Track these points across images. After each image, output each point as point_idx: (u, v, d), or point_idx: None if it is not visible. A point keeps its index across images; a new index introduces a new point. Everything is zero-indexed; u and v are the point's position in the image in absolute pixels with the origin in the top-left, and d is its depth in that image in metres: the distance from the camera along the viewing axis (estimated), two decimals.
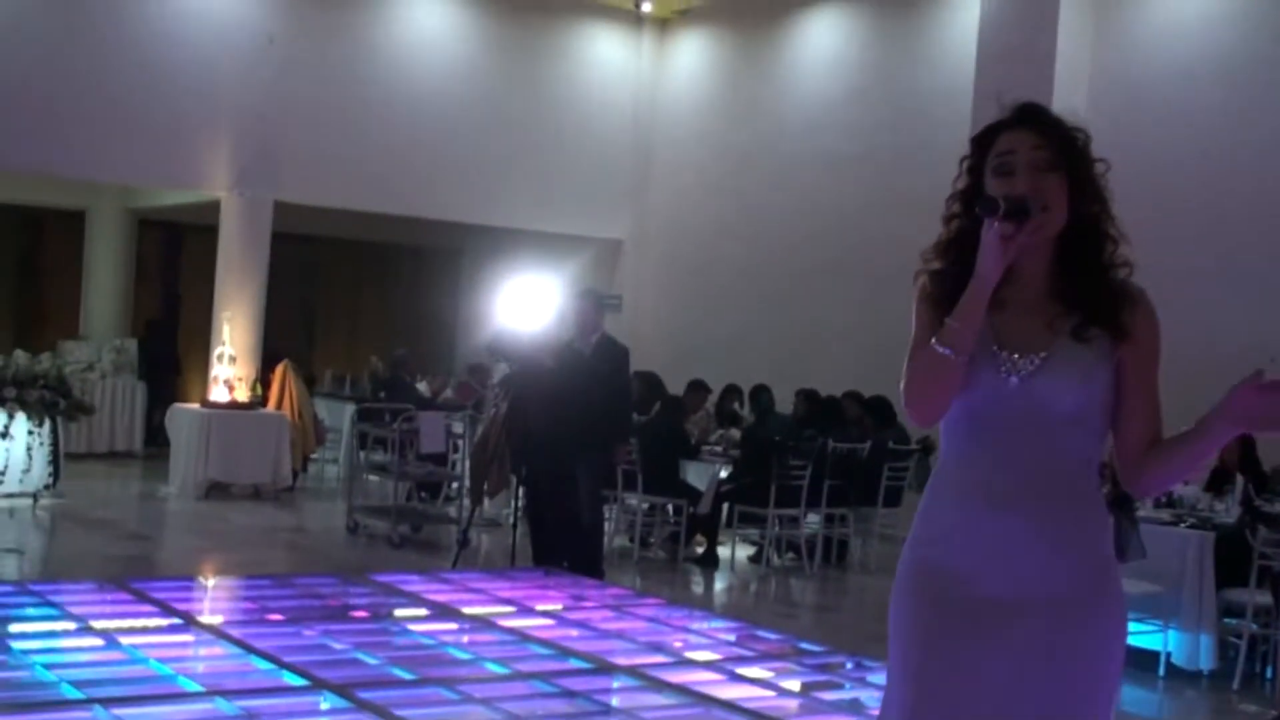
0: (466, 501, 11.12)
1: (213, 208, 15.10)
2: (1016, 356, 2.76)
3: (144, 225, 18.31)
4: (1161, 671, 8.19)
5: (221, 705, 5.24)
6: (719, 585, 10.87)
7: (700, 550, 11.44)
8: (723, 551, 11.38)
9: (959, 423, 2.82)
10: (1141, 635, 8.38)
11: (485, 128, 16.27)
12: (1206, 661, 8.16)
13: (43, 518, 11.63)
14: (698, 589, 10.72)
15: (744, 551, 11.67)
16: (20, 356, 12.37)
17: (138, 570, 9.37)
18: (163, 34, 14.42)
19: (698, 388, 13.22)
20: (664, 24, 17.51)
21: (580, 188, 17.00)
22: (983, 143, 2.86)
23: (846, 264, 14.16)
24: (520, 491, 10.05)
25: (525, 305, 9.65)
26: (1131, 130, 12.58)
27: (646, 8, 16.96)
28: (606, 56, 17.38)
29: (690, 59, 17.40)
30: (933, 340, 2.73)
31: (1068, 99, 12.61)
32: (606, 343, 9.49)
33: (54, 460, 12.08)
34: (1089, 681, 2.73)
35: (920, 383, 2.78)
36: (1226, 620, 8.25)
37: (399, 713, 5.23)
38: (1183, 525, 8.43)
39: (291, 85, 15.02)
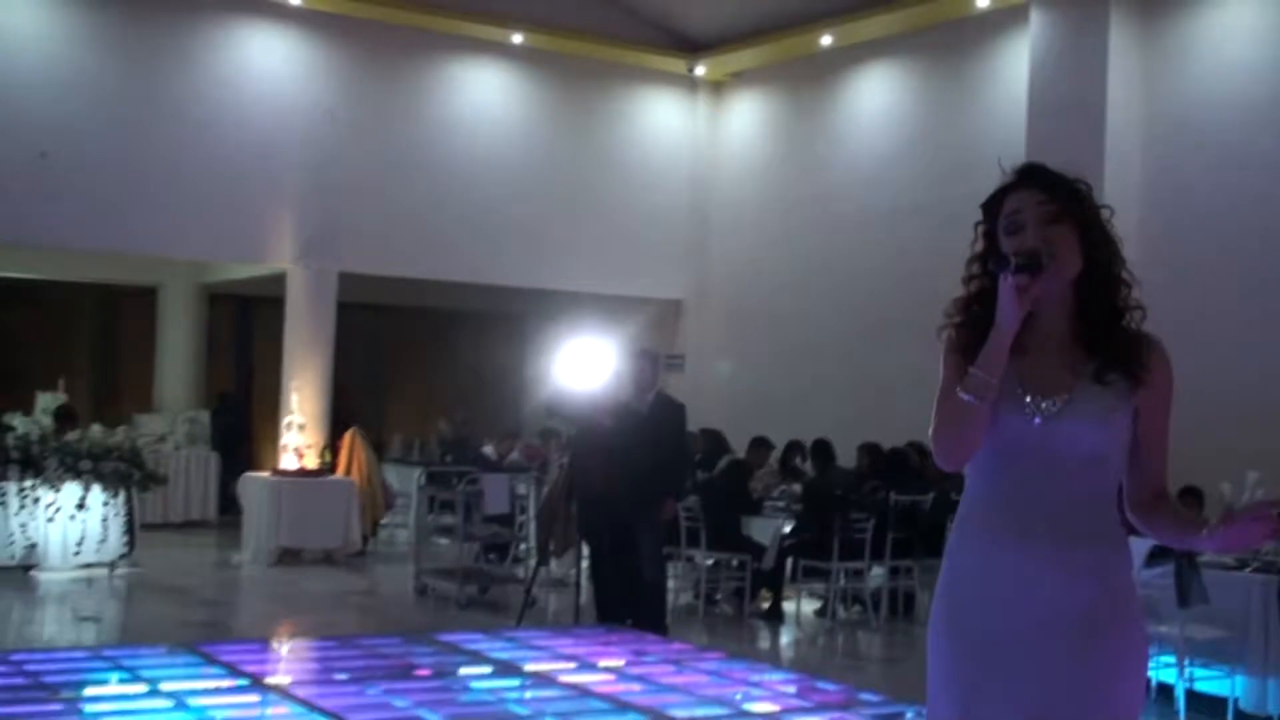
0: (532, 562, 11.20)
1: (280, 280, 15.39)
2: (1040, 399, 2.87)
3: (214, 299, 18.64)
4: (1230, 717, 8.09)
5: None
6: (784, 639, 10.86)
7: (765, 605, 11.43)
8: (788, 606, 11.37)
9: (984, 462, 2.94)
10: (1209, 681, 8.31)
11: (544, 193, 16.48)
12: (1275, 705, 8.04)
13: (119, 586, 11.84)
14: (763, 644, 10.72)
15: (809, 605, 11.65)
16: (95, 431, 12.65)
17: (211, 636, 9.50)
18: (227, 114, 14.76)
19: (760, 444, 13.27)
20: (717, 87, 17.67)
21: (639, 250, 17.14)
22: (992, 206, 3.00)
23: (903, 317, 14.11)
24: (585, 550, 10.14)
25: (583, 366, 9.74)
26: (1186, 175, 12.58)
27: (700, 71, 17.15)
28: (662, 120, 17.57)
29: (744, 120, 17.54)
30: (958, 388, 2.86)
31: (1120, 147, 12.68)
32: (662, 400, 9.56)
33: (129, 530, 12.31)
34: (1105, 698, 2.83)
35: (947, 429, 2.91)
36: None
37: None
38: (1247, 570, 8.34)
39: (352, 158, 15.31)
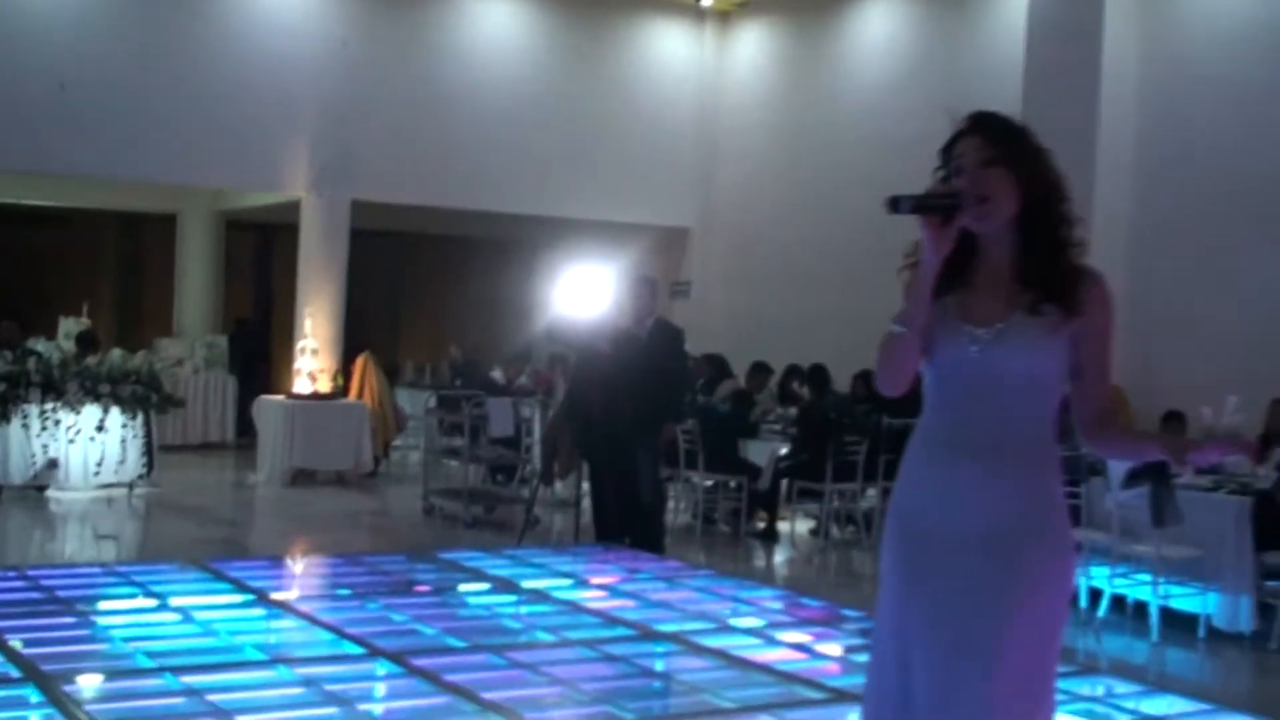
0: (535, 483, 11.36)
1: (297, 208, 15.49)
2: (977, 329, 3.05)
3: (231, 226, 18.76)
4: (1202, 633, 8.24)
5: (282, 673, 5.48)
6: (779, 558, 11.04)
7: (762, 525, 11.60)
8: (783, 526, 11.54)
9: (931, 387, 3.14)
10: (1183, 599, 8.45)
11: (554, 123, 16.52)
12: (1246, 623, 8.18)
13: (137, 506, 12.05)
14: (759, 562, 10.88)
15: (804, 525, 11.82)
16: (115, 355, 12.81)
17: (225, 553, 9.68)
18: (242, 43, 14.83)
19: (760, 369, 13.40)
20: (725, 16, 17.63)
21: (647, 178, 17.19)
22: (946, 152, 3.14)
23: (902, 247, 14.20)
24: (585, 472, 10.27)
25: (583, 292, 9.81)
26: (1181, 104, 12.56)
27: (707, 1, 17.10)
28: (670, 50, 17.55)
29: (751, 49, 17.51)
30: (890, 321, 3.07)
31: (1116, 75, 12.65)
32: (661, 325, 9.62)
33: (147, 451, 12.50)
34: (1006, 610, 2.98)
35: (883, 357, 3.11)
36: (1266, 583, 8.29)
37: (447, 678, 5.43)
38: (1223, 491, 8.45)
39: (365, 87, 15.36)
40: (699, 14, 17.51)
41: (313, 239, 15.33)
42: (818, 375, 12.26)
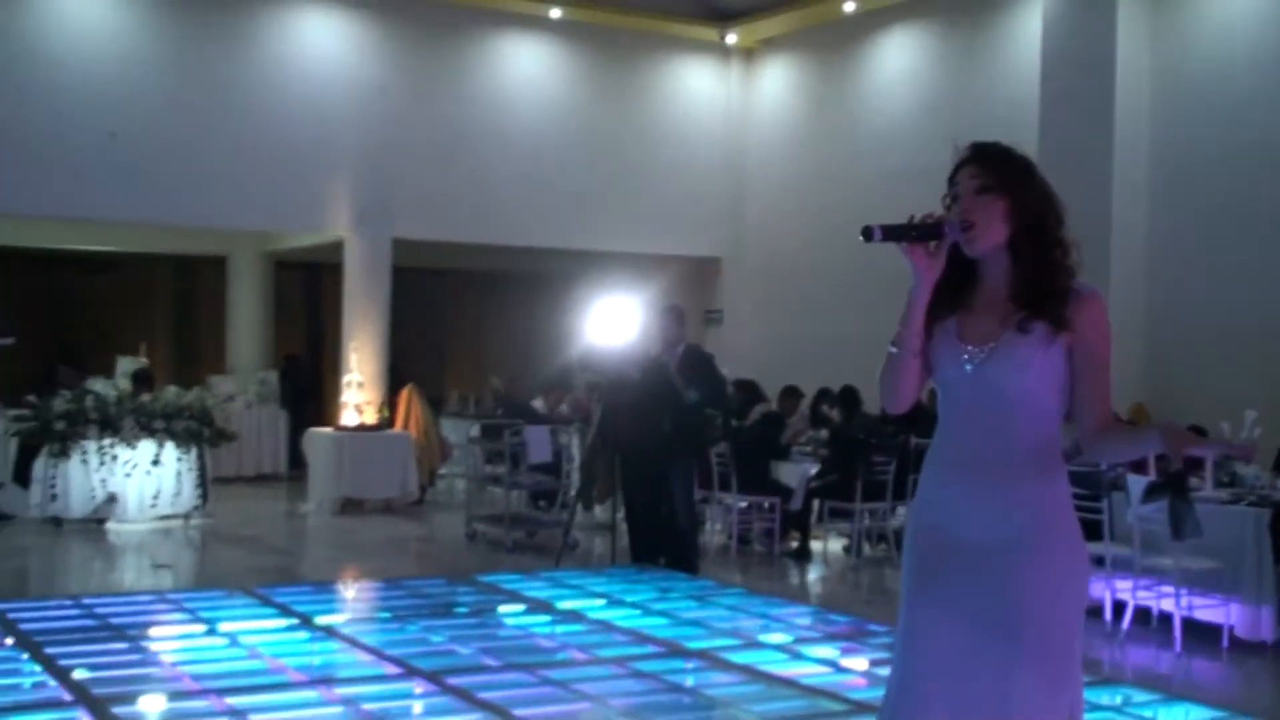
0: (572, 507, 11.40)
1: (341, 248, 15.64)
2: (973, 348, 3.12)
3: (281, 266, 18.92)
4: (1225, 643, 8.16)
5: (325, 692, 5.55)
6: (812, 576, 11.00)
7: (795, 545, 11.59)
8: (815, 545, 11.53)
9: (941, 406, 3.21)
10: (1205, 609, 8.39)
11: (586, 160, 16.64)
12: (1269, 632, 8.11)
13: (193, 536, 12.14)
14: (793, 580, 10.86)
15: (837, 544, 11.80)
16: (169, 392, 12.96)
17: (277, 580, 9.73)
18: (284, 91, 15.03)
19: (791, 393, 13.39)
20: (749, 53, 17.72)
21: (678, 211, 17.26)
22: (952, 179, 3.23)
23: None
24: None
25: (613, 322, 9.87)
26: (1193, 129, 12.54)
27: (731, 39, 17.20)
28: (697, 87, 17.64)
29: (775, 84, 17.58)
30: (889, 343, 3.18)
31: (1129, 100, 12.65)
32: (690, 350, 9.65)
33: (202, 483, 12.61)
34: (1021, 613, 3.03)
35: (882, 377, 3.22)
36: None
37: (480, 695, 5.49)
38: (1242, 504, 8.39)
39: (403, 130, 15.53)
40: (724, 51, 17.60)
41: (356, 277, 15.48)
42: (848, 397, 12.24)
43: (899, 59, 15.81)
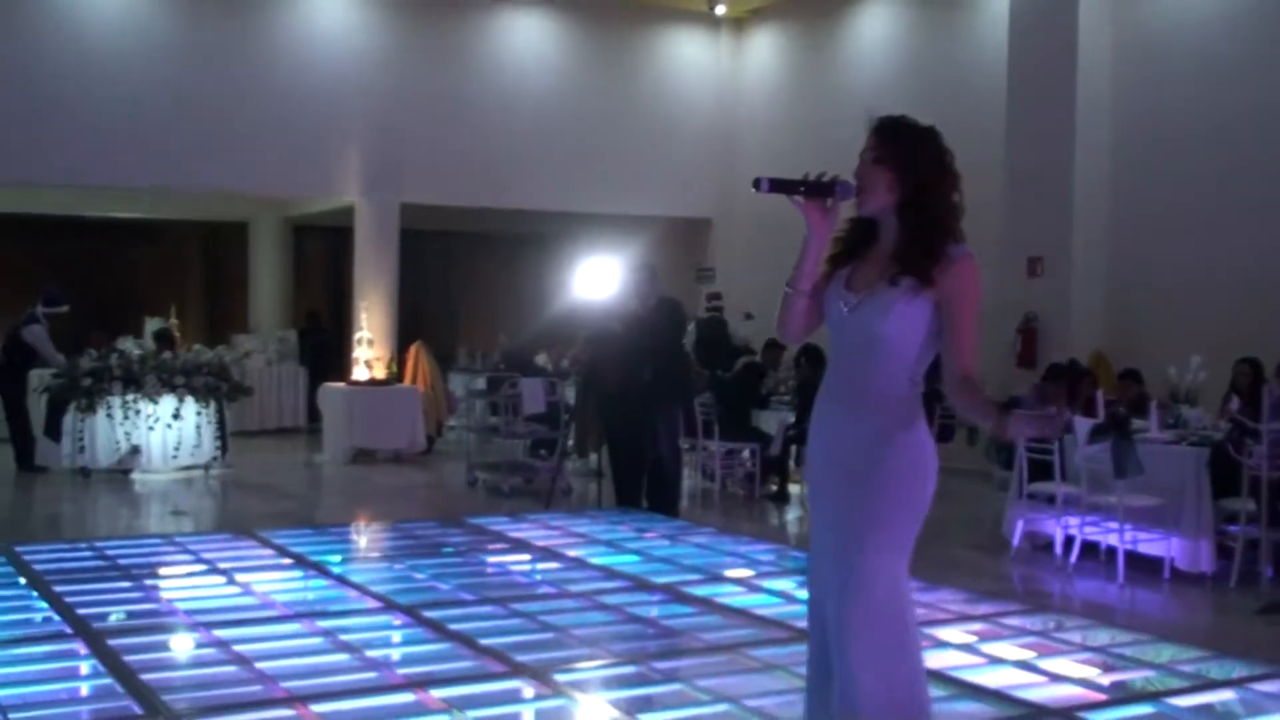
0: (559, 454, 11.52)
1: (354, 212, 15.74)
2: (852, 295, 3.38)
3: (302, 231, 19.05)
4: (1166, 575, 8.27)
5: (307, 624, 5.66)
6: (790, 517, 11.12)
7: (774, 488, 11.70)
8: (794, 488, 11.64)
9: (829, 343, 3.49)
10: (1148, 544, 8.48)
11: (584, 126, 16.68)
12: (1207, 564, 8.21)
13: (212, 485, 12.32)
14: (772, 522, 10.97)
15: None
16: (189, 351, 13.12)
17: (290, 525, 9.84)
18: (296, 64, 15.14)
19: (773, 345, 13.44)
20: (738, 23, 17.71)
21: (672, 174, 17.31)
22: None
23: None
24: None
25: (598, 280, 9.94)
26: (1151, 90, 12.54)
27: (721, 10, 17.18)
28: (689, 56, 17.64)
29: (763, 53, 17.57)
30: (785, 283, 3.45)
31: (1093, 65, 12.64)
32: (663, 303, 9.67)
33: (221, 435, 12.77)
34: (861, 515, 3.36)
35: (779, 311, 3.53)
36: (1223, 527, 8.31)
37: (452, 627, 5.59)
38: (1184, 444, 8.47)
39: (410, 101, 15.60)
40: (715, 22, 17.60)
41: (366, 240, 15.60)
42: (812, 353, 12.34)
43: (877, 28, 15.80)
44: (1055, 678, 5.13)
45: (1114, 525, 8.31)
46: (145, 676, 4.70)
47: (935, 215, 3.33)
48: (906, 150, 3.34)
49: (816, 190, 3.37)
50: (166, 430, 12.41)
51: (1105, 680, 5.18)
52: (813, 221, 3.41)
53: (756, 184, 3.40)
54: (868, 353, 3.33)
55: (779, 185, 3.38)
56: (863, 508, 3.33)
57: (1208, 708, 4.84)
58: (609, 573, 6.95)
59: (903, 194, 3.32)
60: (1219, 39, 11.98)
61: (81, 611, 5.70)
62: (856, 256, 3.43)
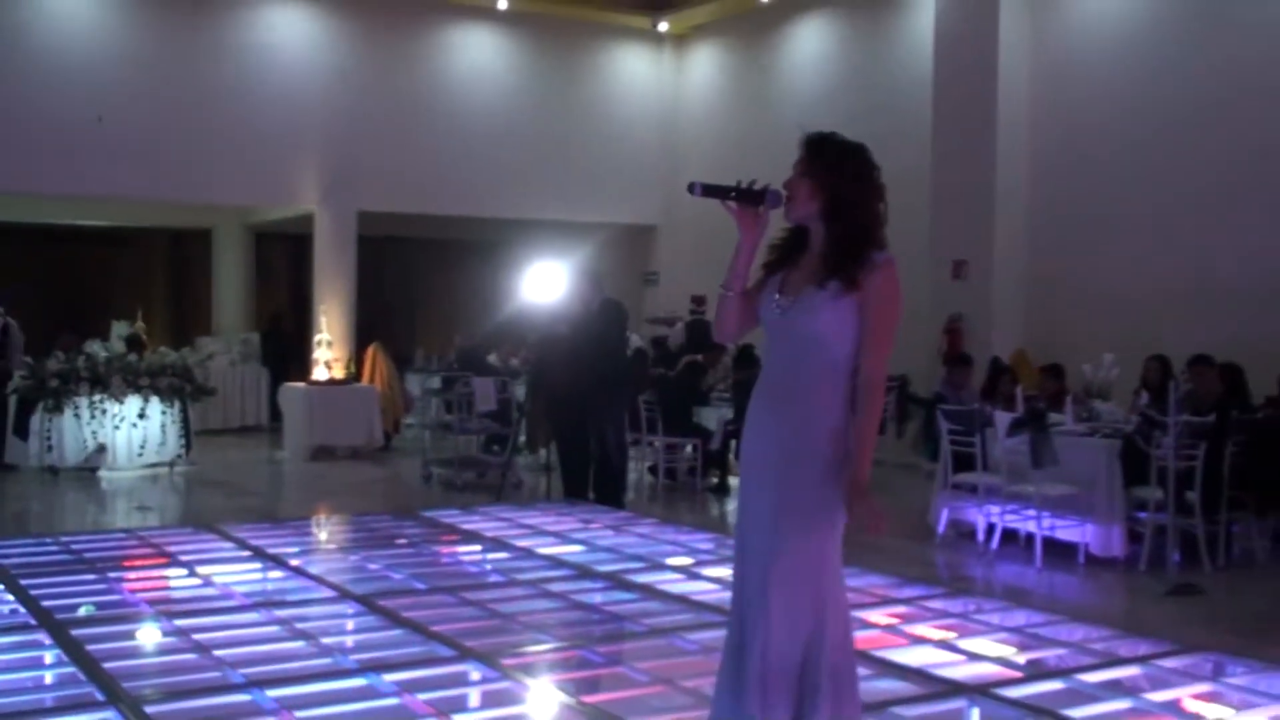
0: (509, 449, 11.51)
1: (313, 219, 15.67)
2: (783, 297, 3.44)
3: (264, 238, 18.92)
4: (1081, 560, 8.36)
5: (265, 614, 5.65)
6: (729, 508, 11.15)
7: (715, 481, 11.74)
8: (733, 481, 11.68)
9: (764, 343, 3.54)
10: (1064, 530, 8.58)
11: (533, 139, 16.70)
12: (1118, 549, 8.32)
13: (177, 482, 12.19)
14: (713, 513, 11.00)
15: None
16: (154, 353, 12.99)
17: (251, 520, 9.78)
18: (255, 77, 15.06)
19: (716, 346, 13.49)
20: (680, 39, 17.76)
21: (618, 183, 17.35)
22: None
23: None
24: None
25: (545, 284, 9.93)
26: (1069, 100, 12.69)
27: (663, 26, 17.25)
28: (633, 69, 17.68)
29: (704, 67, 17.64)
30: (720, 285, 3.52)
31: (1012, 79, 12.79)
32: (607, 305, 9.69)
33: (185, 434, 12.66)
34: (784, 506, 3.39)
35: (716, 311, 3.60)
36: (1134, 514, 8.43)
37: (405, 614, 5.60)
38: (1097, 435, 8.58)
39: (365, 112, 15.55)
40: (658, 37, 17.65)
41: (325, 246, 15.52)
42: (744, 353, 12.45)
43: (811, 43, 15.90)
44: (974, 656, 5.21)
45: (1032, 513, 8.40)
46: (108, 665, 4.68)
47: (858, 223, 3.39)
48: (830, 163, 3.41)
49: (747, 197, 3.45)
50: (132, 429, 12.28)
51: (1021, 659, 5.26)
52: (743, 226, 3.48)
53: (691, 188, 3.46)
54: (798, 353, 3.39)
55: (711, 190, 3.45)
56: (790, 494, 3.36)
57: (1116, 683, 4.93)
58: (556, 562, 6.99)
59: (825, 203, 3.39)
60: (1132, 56, 12.16)
61: (47, 604, 5.67)
62: (790, 262, 3.50)
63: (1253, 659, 5.27)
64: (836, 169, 3.40)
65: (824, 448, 3.35)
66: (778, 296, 3.44)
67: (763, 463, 3.43)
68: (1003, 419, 8.49)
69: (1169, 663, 5.19)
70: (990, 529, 8.75)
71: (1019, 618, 5.98)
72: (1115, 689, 4.80)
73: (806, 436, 3.35)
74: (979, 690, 4.64)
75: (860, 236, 3.38)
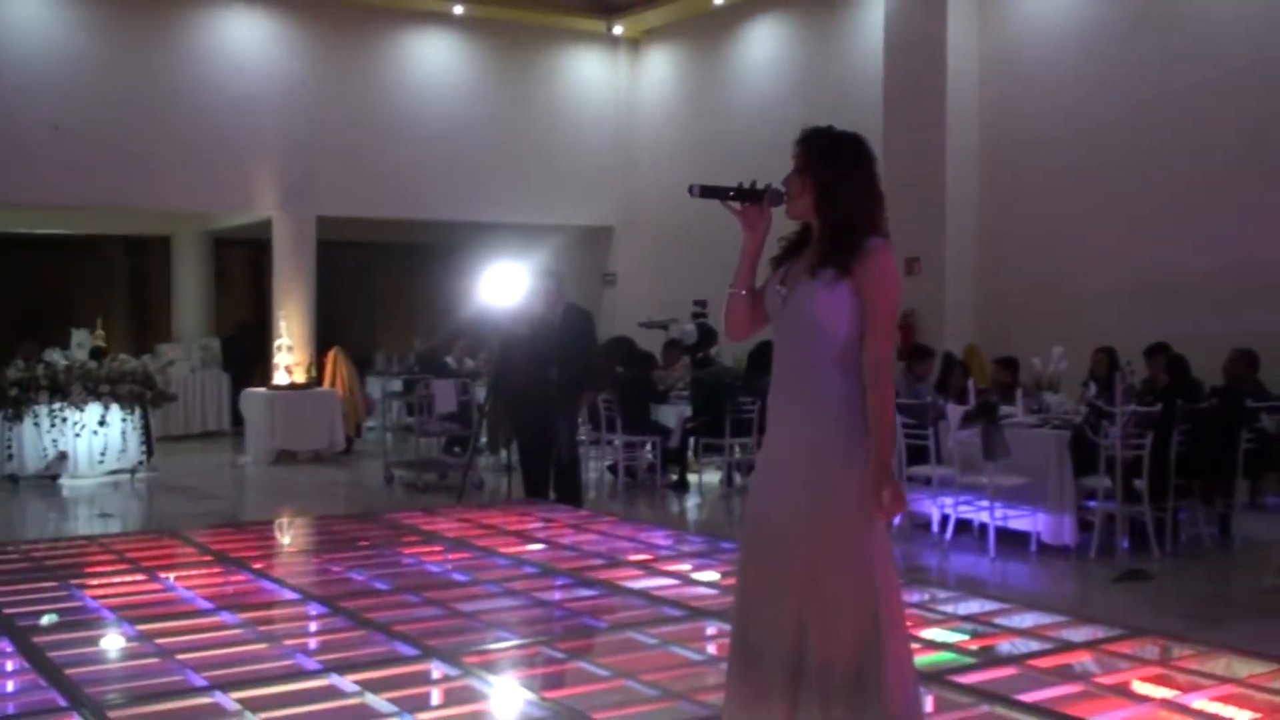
0: (470, 450, 11.49)
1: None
2: (784, 287, 3.46)
3: (224, 244, 18.78)
4: (1033, 548, 8.45)
5: (227, 618, 5.61)
6: (689, 504, 11.18)
7: (674, 478, 11.77)
8: (693, 477, 11.71)
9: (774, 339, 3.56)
10: (1016, 519, 8.67)
11: (490, 141, 16.67)
12: (1069, 538, 8.41)
13: (139, 488, 12.10)
14: (673, 509, 11.02)
15: (715, 476, 11.98)
16: (114, 361, 12.87)
17: (213, 524, 9.70)
18: (213, 84, 14.95)
19: (673, 344, 13.52)
20: (635, 42, 17.78)
21: (575, 185, 17.34)
22: None
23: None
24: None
25: (505, 286, 9.89)
26: (1016, 100, 12.81)
27: (618, 30, 17.25)
28: (589, 73, 17.68)
29: (659, 69, 17.66)
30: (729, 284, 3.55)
31: (961, 80, 12.88)
32: (571, 310, 9.71)
33: (146, 441, 12.56)
34: (822, 495, 3.36)
35: (725, 310, 3.59)
36: (1084, 503, 8.52)
37: (368, 615, 5.58)
38: (1047, 427, 8.66)
39: (323, 118, 15.46)
40: (612, 41, 17.66)
41: (284, 251, 15.43)
42: (698, 351, 12.51)
43: (764, 46, 15.96)
44: (929, 644, 5.24)
45: (985, 504, 8.48)
46: (70, 671, 4.64)
47: (846, 212, 3.40)
48: (821, 155, 3.42)
49: (747, 196, 3.46)
50: (93, 436, 12.18)
51: (974, 646, 5.31)
52: (746, 226, 3.49)
53: (690, 190, 3.45)
54: (802, 342, 3.40)
55: (710, 191, 3.44)
56: (819, 481, 3.34)
57: (1067, 668, 4.98)
58: (517, 560, 6.97)
59: (814, 195, 3.40)
60: (1078, 55, 12.29)
61: (8, 611, 5.60)
62: (795, 256, 3.52)
63: (1199, 642, 5.34)
64: (825, 160, 3.42)
65: (836, 442, 3.35)
66: (779, 287, 3.47)
67: (789, 454, 3.41)
68: (955, 412, 8.57)
69: (1118, 647, 5.24)
70: (944, 520, 8.82)
71: (973, 606, 6.03)
72: (1066, 674, 4.85)
73: (825, 423, 3.35)
74: (933, 678, 4.68)
75: (852, 223, 3.39)
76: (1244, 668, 4.92)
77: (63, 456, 12.10)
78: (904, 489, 3.42)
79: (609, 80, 17.76)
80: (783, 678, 3.36)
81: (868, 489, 3.32)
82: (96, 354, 13.27)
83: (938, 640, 5.32)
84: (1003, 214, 12.82)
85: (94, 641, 5.22)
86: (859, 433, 3.36)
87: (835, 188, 3.40)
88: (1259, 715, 4.37)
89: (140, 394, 12.43)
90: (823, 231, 3.41)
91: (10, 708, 4.54)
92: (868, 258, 3.35)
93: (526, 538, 7.69)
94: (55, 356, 12.90)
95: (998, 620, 5.73)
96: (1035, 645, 5.26)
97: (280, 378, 14.09)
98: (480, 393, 12.79)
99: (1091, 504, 8.47)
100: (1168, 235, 11.43)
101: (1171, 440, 8.28)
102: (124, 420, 12.38)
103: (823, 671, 3.30)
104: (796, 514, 3.37)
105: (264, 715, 4.19)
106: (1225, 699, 4.50)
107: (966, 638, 5.42)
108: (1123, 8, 12.03)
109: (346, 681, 4.55)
